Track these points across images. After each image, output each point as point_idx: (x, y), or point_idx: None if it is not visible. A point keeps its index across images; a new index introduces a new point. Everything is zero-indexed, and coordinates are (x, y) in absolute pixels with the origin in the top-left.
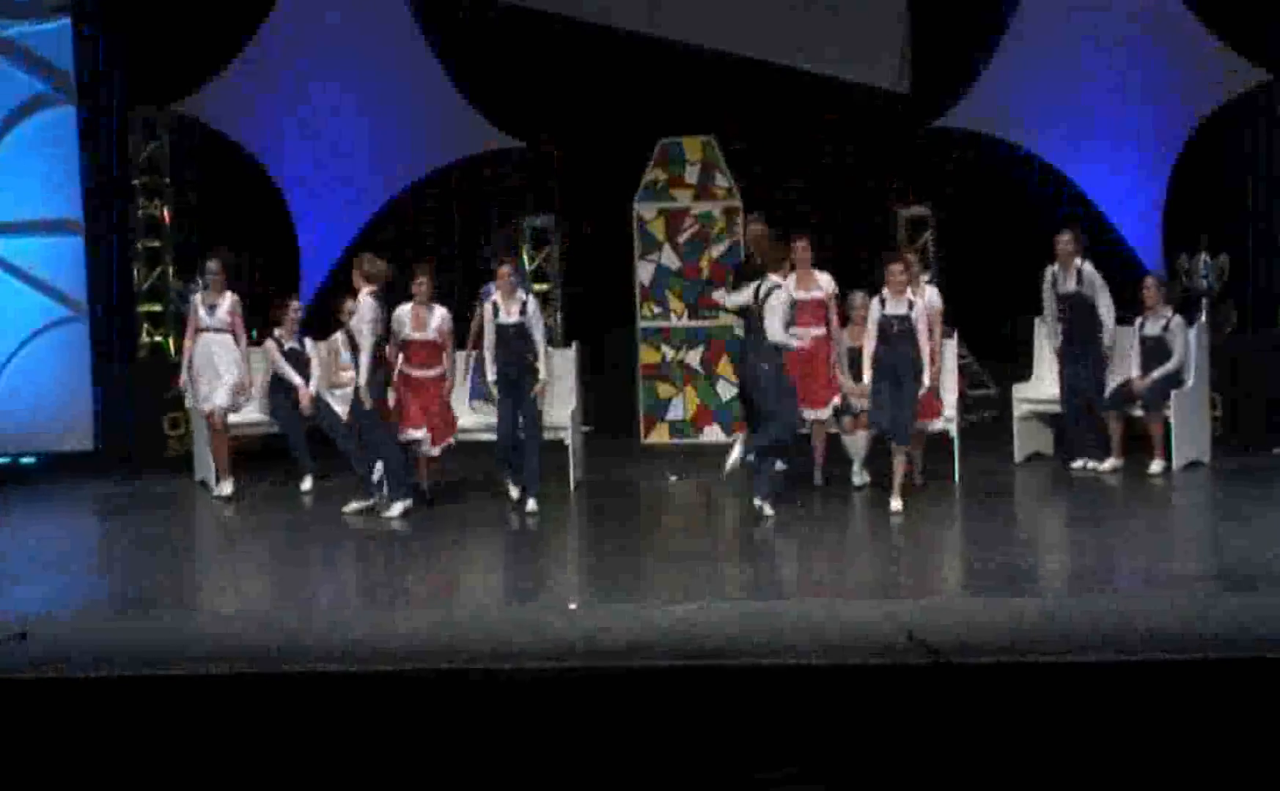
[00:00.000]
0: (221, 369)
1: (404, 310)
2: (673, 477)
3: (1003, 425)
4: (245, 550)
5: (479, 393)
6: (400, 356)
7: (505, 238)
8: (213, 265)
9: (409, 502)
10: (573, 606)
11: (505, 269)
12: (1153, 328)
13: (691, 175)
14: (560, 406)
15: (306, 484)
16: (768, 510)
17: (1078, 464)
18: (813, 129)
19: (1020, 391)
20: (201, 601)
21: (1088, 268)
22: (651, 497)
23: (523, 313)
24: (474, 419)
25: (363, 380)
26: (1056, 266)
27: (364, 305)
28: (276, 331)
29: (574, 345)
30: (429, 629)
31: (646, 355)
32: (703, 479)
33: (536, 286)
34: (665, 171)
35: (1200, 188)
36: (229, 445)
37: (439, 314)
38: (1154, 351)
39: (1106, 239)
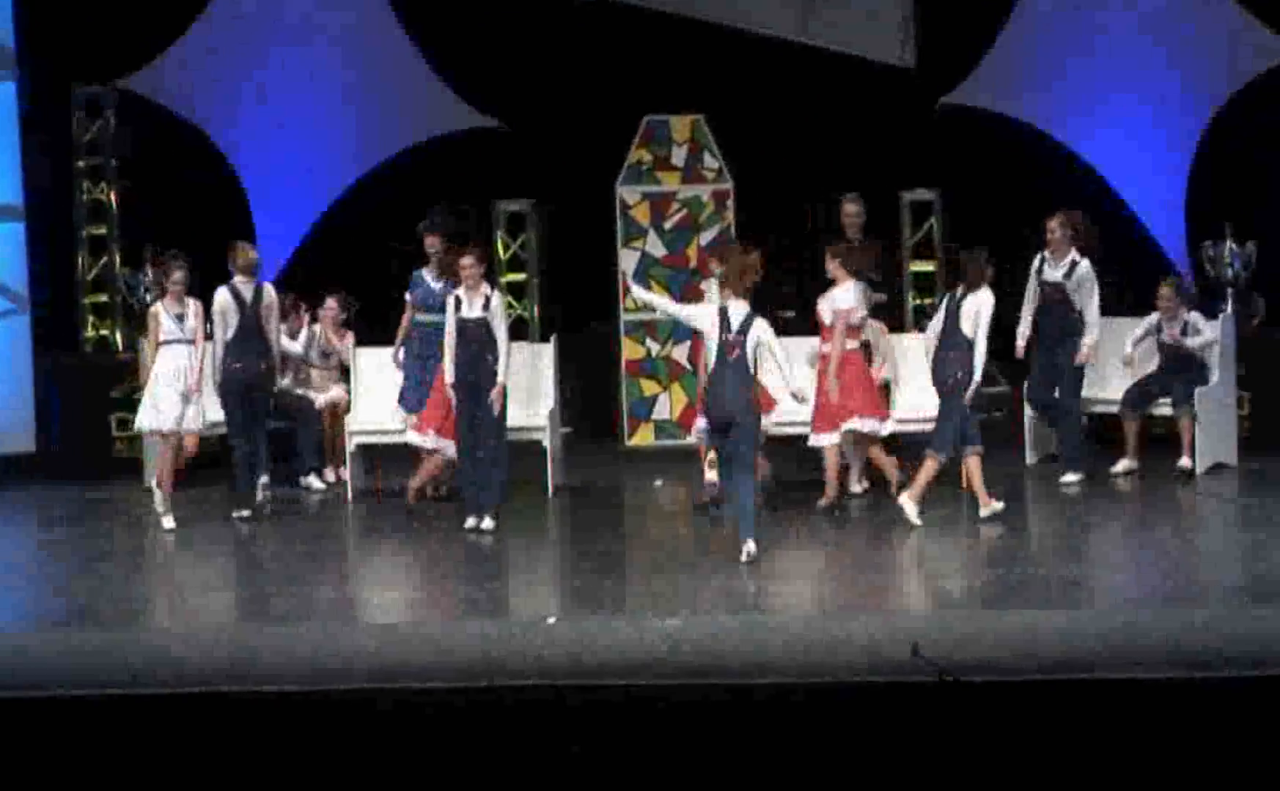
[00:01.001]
0: (186, 384)
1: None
2: (658, 482)
3: (1014, 424)
4: (199, 561)
5: (414, 402)
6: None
7: (440, 215)
8: (179, 275)
9: (246, 512)
10: (551, 621)
11: (468, 260)
12: (1169, 333)
13: (678, 156)
14: (537, 406)
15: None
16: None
17: (1068, 478)
18: (809, 107)
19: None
20: (152, 616)
21: (1084, 265)
22: (635, 504)
23: (486, 307)
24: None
25: (217, 375)
26: (1048, 252)
27: (217, 296)
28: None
29: (552, 339)
30: (396, 645)
31: (630, 350)
32: (691, 483)
33: (512, 276)
34: (650, 152)
35: (1227, 171)
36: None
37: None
38: (1174, 356)
39: (1125, 226)
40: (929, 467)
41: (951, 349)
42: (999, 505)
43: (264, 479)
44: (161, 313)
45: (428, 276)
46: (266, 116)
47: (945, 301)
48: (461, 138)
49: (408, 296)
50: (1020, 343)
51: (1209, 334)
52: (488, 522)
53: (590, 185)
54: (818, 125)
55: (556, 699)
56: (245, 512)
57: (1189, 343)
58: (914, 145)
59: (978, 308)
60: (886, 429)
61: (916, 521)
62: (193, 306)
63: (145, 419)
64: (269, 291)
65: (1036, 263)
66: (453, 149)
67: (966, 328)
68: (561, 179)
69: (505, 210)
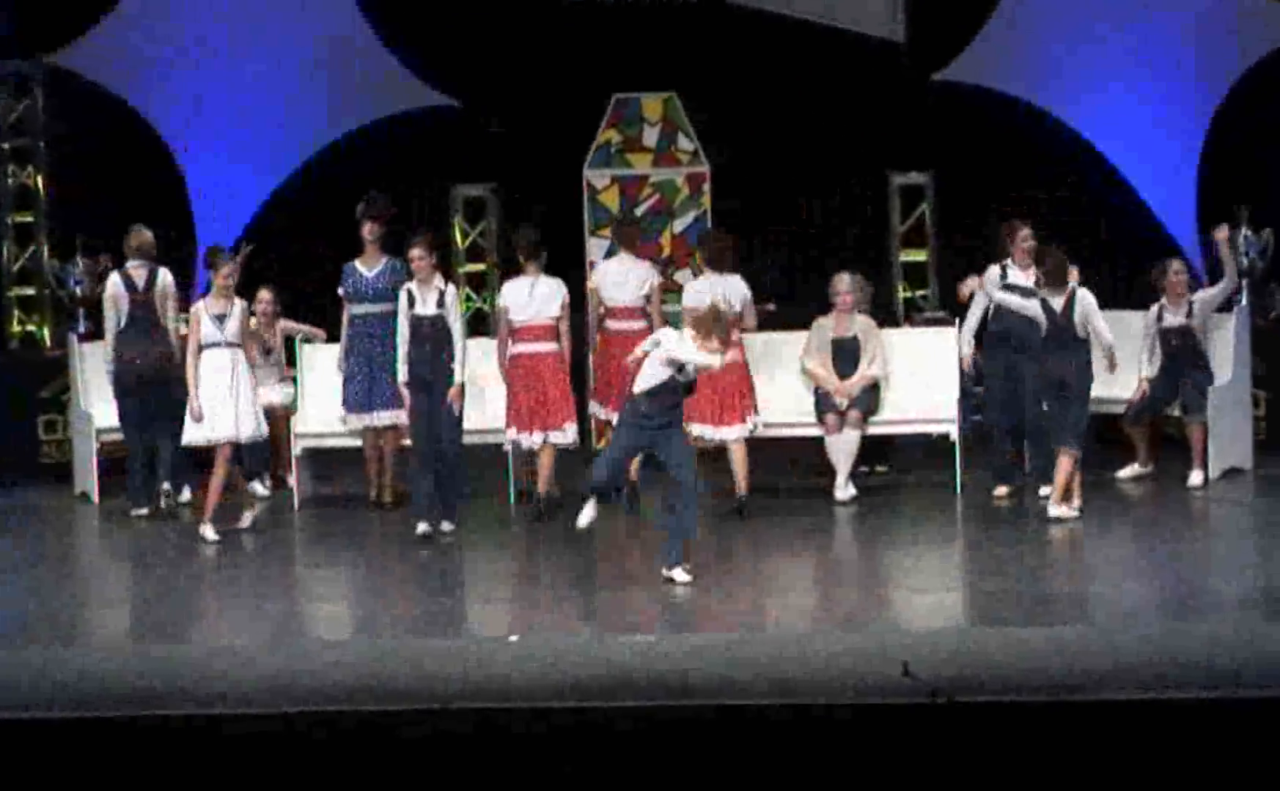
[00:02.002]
0: (239, 391)
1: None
2: (626, 490)
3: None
4: (131, 572)
5: (356, 402)
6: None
7: (380, 199)
8: (227, 269)
9: (144, 511)
10: (513, 639)
11: (417, 251)
12: (1174, 318)
13: (650, 137)
14: (498, 407)
15: (185, 495)
16: (680, 576)
17: (999, 491)
18: (792, 84)
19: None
20: (81, 633)
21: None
22: (606, 513)
23: (440, 304)
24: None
25: (108, 362)
26: (1014, 260)
27: (108, 282)
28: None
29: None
30: (346, 665)
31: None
32: (666, 489)
33: (471, 267)
34: (620, 132)
35: (1242, 152)
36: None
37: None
38: (1182, 348)
39: (1132, 211)
40: (1065, 466)
41: (1062, 348)
42: (1073, 513)
43: (165, 485)
44: (202, 313)
45: (360, 266)
46: (206, 95)
47: (1045, 310)
48: (417, 117)
49: (340, 291)
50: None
51: (1216, 291)
52: (446, 526)
53: (555, 168)
54: (801, 105)
55: (519, 723)
56: (143, 511)
57: (1200, 309)
58: (904, 125)
59: (1084, 308)
60: (730, 435)
61: (1076, 513)
62: (238, 306)
63: (189, 434)
64: (164, 276)
65: (996, 276)
66: (407, 129)
67: (1080, 328)
68: (525, 162)
69: (463, 195)
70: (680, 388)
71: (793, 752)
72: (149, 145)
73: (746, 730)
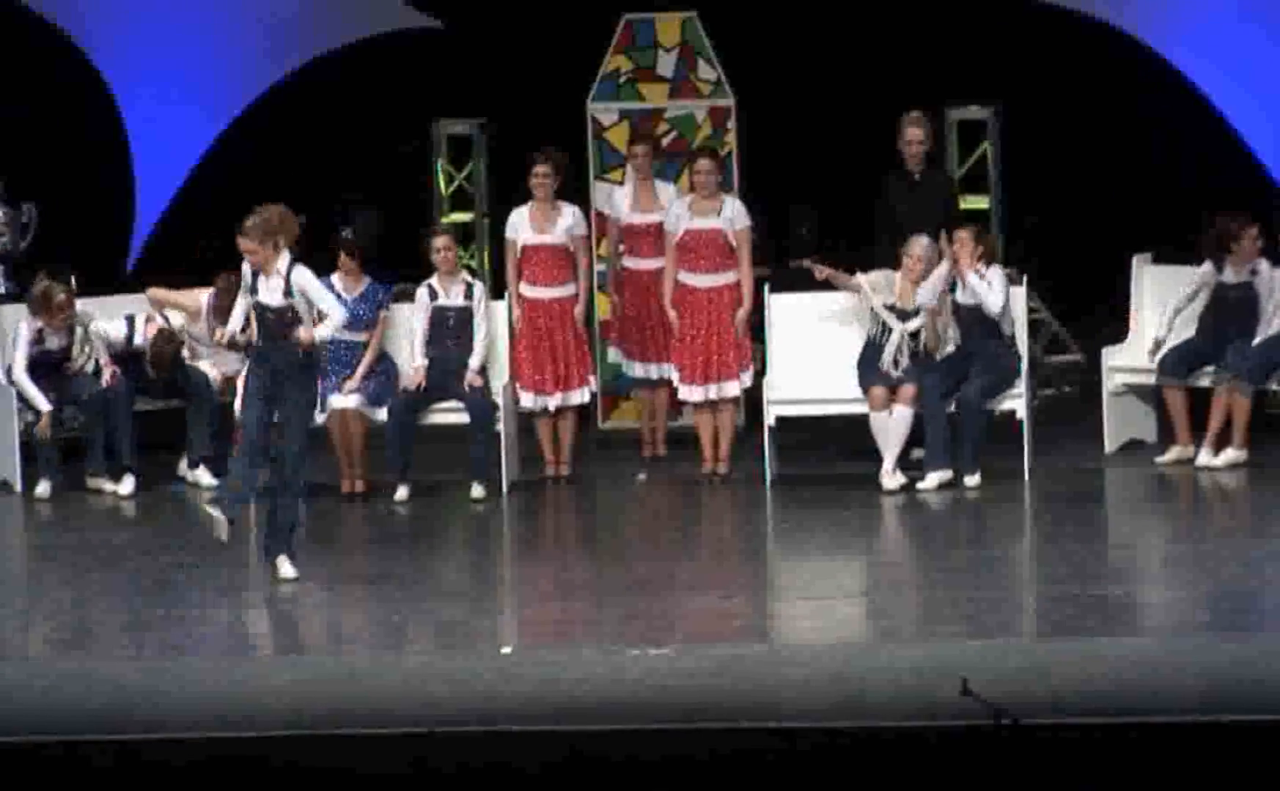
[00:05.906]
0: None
1: (520, 213)
2: (641, 476)
3: (1090, 402)
4: (67, 577)
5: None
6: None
7: (356, 229)
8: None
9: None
10: (506, 651)
11: (442, 241)
12: (1235, 274)
13: (665, 65)
14: (488, 380)
15: (127, 486)
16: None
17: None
18: (830, 3)
19: (1113, 357)
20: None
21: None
22: (612, 504)
23: (468, 296)
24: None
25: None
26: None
27: None
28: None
29: (506, 296)
30: (315, 683)
31: (605, 309)
32: (683, 476)
33: (457, 215)
34: (630, 59)
35: None
36: None
37: (569, 213)
38: (1238, 307)
39: (1233, 157)
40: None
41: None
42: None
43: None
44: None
45: (337, 284)
46: (145, 17)
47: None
48: (392, 42)
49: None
50: None
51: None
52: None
53: (554, 101)
54: (840, 26)
55: (513, 750)
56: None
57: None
58: (962, 50)
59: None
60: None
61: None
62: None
63: None
64: None
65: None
66: (383, 55)
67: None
68: (518, 93)
69: (448, 132)
70: (287, 321)
71: (832, 785)
72: (78, 74)
73: (778, 759)
